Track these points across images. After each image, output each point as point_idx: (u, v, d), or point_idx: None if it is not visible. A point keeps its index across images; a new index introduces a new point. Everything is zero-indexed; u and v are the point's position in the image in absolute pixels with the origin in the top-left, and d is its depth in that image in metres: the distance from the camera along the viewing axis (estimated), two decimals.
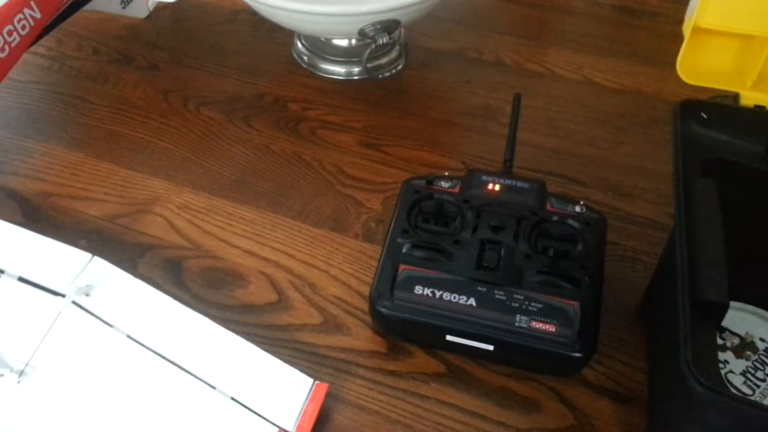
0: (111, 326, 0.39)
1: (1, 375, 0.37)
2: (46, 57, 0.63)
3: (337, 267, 0.45)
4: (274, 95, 0.59)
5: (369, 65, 0.56)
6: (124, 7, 0.65)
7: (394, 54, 0.62)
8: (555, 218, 0.40)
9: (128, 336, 0.39)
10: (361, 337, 0.41)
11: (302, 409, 0.36)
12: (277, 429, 0.36)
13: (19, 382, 0.37)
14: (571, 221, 0.40)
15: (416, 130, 0.56)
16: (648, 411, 0.38)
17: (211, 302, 0.43)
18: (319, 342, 0.41)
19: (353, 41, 0.61)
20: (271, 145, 0.55)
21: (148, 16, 0.67)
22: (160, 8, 0.68)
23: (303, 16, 0.52)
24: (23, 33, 0.52)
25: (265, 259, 0.46)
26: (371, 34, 0.52)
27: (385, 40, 0.52)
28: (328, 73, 0.61)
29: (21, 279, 0.41)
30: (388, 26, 0.52)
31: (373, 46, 0.53)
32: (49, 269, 0.41)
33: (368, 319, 0.42)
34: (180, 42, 0.65)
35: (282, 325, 0.42)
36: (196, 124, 0.56)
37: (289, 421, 0.36)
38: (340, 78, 0.61)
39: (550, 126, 0.56)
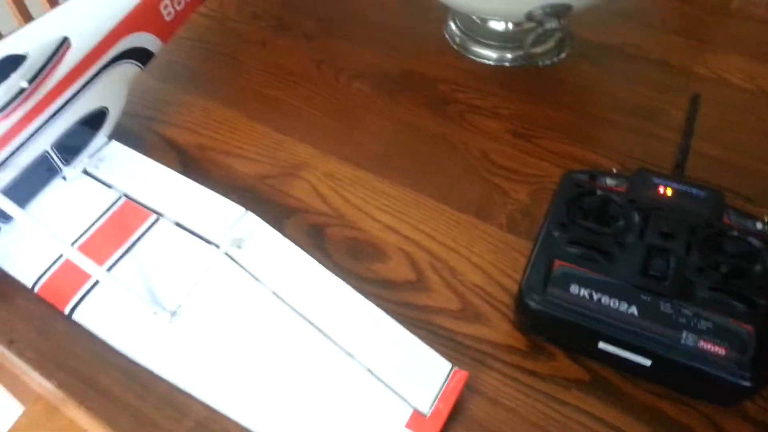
0: (258, 281, 0.39)
1: (155, 313, 0.38)
2: (208, 17, 0.65)
3: (479, 255, 0.44)
4: (422, 74, 0.58)
5: (526, 52, 0.54)
6: None
7: (551, 43, 0.59)
8: (734, 233, 0.37)
9: (274, 293, 0.39)
10: (501, 330, 0.40)
11: (439, 392, 0.35)
12: (412, 409, 0.35)
13: (170, 321, 0.38)
14: (751, 238, 0.37)
15: (569, 124, 0.53)
16: None
17: (351, 272, 0.43)
18: (456, 328, 0.40)
19: (510, 25, 0.59)
20: (417, 123, 0.54)
21: None
22: None
23: None
24: None
25: (406, 237, 0.45)
26: (539, 18, 0.50)
27: (553, 26, 0.50)
28: (479, 57, 0.60)
29: (178, 224, 0.43)
30: (559, 11, 0.50)
31: (540, 30, 0.51)
32: (205, 218, 0.42)
33: (509, 312, 0.40)
34: (332, 14, 0.65)
35: (419, 306, 0.41)
36: (346, 95, 0.56)
37: (425, 403, 0.35)
38: (492, 63, 0.59)
39: (717, 135, 0.52)
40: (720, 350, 0.33)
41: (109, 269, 0.40)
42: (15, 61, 0.39)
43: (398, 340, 0.37)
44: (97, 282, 0.40)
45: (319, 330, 0.38)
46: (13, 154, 0.42)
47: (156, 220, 0.43)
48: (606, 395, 0.37)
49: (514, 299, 0.39)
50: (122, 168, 0.46)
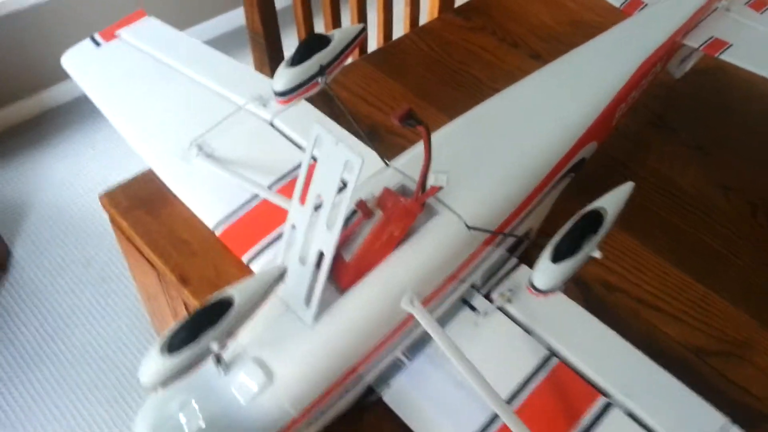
0: None
1: None
2: None
3: None
4: None
5: None
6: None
7: None
8: None
9: None
10: None
11: None
12: None
13: None
14: None
15: None
16: None
17: None
18: None
19: None
20: None
21: (683, 78, 0.57)
22: (697, 71, 0.57)
23: None
24: None
25: None
26: None
27: None
28: None
29: (631, 415, 0.33)
30: None
31: None
32: (663, 415, 0.32)
33: None
34: (727, 123, 0.54)
35: None
36: None
37: None
38: None
39: None
40: None
41: None
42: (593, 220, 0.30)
43: None
44: None
45: None
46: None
47: (606, 407, 0.33)
48: None
49: None
50: (538, 307, 0.37)
